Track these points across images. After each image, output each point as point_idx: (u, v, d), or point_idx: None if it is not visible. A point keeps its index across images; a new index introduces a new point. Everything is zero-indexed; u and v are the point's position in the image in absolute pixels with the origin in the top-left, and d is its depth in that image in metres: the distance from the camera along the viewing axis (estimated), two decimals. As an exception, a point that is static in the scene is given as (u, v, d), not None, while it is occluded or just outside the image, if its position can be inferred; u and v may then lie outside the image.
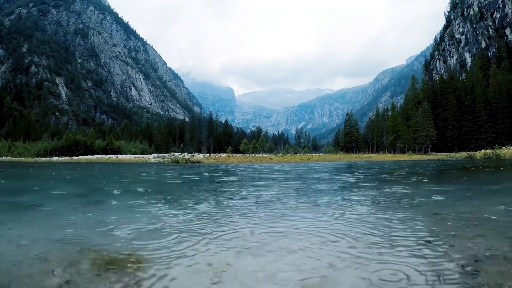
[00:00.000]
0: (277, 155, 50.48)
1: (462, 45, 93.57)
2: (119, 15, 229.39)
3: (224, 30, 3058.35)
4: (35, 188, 5.97)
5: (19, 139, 69.10)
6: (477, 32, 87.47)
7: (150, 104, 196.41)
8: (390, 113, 67.16)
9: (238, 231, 2.09)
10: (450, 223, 2.28)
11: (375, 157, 30.41)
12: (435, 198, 3.61)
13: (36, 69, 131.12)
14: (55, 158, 42.00)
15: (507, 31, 78.13)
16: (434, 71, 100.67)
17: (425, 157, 30.37)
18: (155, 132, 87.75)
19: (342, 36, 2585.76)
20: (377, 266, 1.37)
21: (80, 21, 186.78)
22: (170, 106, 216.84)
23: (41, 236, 2.01)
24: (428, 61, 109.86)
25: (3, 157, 48.85)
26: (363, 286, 1.17)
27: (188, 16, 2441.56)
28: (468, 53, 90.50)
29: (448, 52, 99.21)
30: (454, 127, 53.86)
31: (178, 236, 1.96)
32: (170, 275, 1.28)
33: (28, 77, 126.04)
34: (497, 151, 22.83)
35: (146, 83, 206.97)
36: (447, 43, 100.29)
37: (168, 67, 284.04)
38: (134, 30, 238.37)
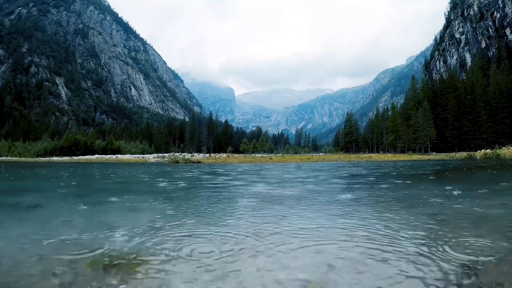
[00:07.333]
0: (277, 155, 50.49)
1: (462, 45, 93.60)
2: (119, 15, 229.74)
3: (224, 30, 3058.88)
4: (35, 188, 5.97)
5: (19, 139, 69.03)
6: (477, 32, 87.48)
7: (150, 104, 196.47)
8: (390, 113, 67.17)
9: (239, 232, 2.08)
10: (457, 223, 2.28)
11: (375, 157, 30.37)
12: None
13: (36, 69, 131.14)
14: (55, 158, 42.01)
15: (507, 31, 78.17)
16: (434, 71, 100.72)
17: (425, 157, 30.35)
18: (155, 132, 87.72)
19: (342, 36, 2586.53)
20: (377, 264, 1.37)
21: (80, 21, 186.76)
22: (170, 106, 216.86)
23: (41, 236, 2.00)
24: (428, 61, 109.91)
25: (3, 157, 48.80)
26: (362, 285, 1.16)
27: (188, 15, 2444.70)
28: (468, 53, 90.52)
29: (448, 52, 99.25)
30: (454, 127, 53.83)
31: (178, 236, 1.96)
32: (170, 275, 1.28)
33: (28, 77, 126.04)
34: (497, 151, 22.83)
35: (146, 83, 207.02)
36: (447, 43, 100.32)
37: (168, 67, 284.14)
38: (134, 30, 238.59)
